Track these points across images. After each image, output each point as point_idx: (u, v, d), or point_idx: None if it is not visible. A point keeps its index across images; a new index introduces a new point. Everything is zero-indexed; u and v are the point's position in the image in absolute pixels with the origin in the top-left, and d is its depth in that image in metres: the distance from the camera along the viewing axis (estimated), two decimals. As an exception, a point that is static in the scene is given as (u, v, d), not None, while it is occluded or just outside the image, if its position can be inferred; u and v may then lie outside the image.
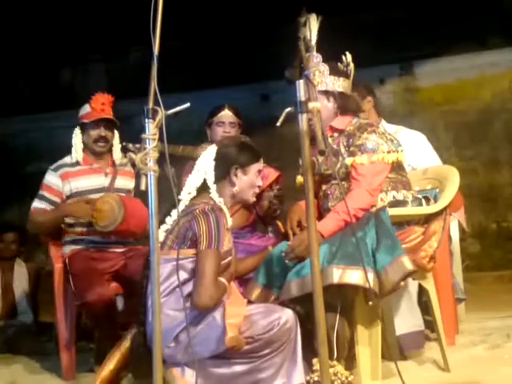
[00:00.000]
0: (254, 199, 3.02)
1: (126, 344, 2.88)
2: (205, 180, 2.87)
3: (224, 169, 2.87)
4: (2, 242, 5.19)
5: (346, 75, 3.25)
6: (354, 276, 2.80)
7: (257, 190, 2.98)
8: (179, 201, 2.84)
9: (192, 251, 2.71)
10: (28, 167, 6.94)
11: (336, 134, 3.22)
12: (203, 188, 2.87)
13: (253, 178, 2.92)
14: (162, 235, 2.74)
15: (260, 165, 2.97)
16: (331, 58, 3.25)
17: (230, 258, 2.87)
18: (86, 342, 4.17)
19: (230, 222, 2.86)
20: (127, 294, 3.73)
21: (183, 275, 2.69)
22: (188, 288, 2.69)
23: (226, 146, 2.98)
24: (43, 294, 5.07)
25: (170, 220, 2.83)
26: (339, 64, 3.26)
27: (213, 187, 2.85)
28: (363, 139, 3.10)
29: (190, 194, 2.86)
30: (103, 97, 3.88)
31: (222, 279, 2.73)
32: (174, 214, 2.83)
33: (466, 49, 6.31)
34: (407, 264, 2.84)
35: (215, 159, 2.88)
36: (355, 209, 2.97)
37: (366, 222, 2.95)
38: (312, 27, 2.92)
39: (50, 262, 3.98)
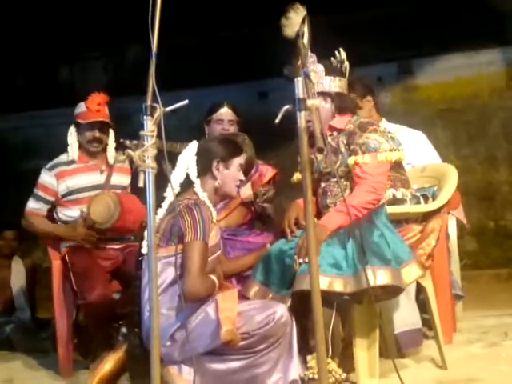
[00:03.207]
0: (238, 194, 3.05)
1: (122, 346, 2.89)
2: (188, 176, 2.89)
3: (206, 163, 2.91)
4: (2, 240, 5.18)
5: (341, 73, 3.23)
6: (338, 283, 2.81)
7: (239, 184, 3.01)
8: (164, 198, 2.85)
9: (180, 247, 2.72)
10: (26, 164, 6.91)
11: (335, 133, 3.22)
12: (187, 184, 2.90)
13: (235, 172, 2.96)
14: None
15: (242, 159, 3.01)
16: (327, 56, 3.24)
17: (219, 252, 2.89)
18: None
19: (214, 215, 2.89)
20: (124, 289, 3.72)
21: (173, 271, 2.70)
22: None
23: (208, 141, 3.07)
24: (41, 290, 5.08)
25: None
26: (333, 60, 3.23)
27: (196, 182, 2.88)
28: (365, 138, 3.09)
29: (173, 190, 2.87)
30: (99, 97, 3.87)
31: (213, 276, 2.74)
32: (160, 212, 2.84)
33: (463, 47, 6.30)
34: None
35: (197, 154, 2.92)
36: (360, 204, 2.97)
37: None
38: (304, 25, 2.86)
39: (47, 259, 3.97)
